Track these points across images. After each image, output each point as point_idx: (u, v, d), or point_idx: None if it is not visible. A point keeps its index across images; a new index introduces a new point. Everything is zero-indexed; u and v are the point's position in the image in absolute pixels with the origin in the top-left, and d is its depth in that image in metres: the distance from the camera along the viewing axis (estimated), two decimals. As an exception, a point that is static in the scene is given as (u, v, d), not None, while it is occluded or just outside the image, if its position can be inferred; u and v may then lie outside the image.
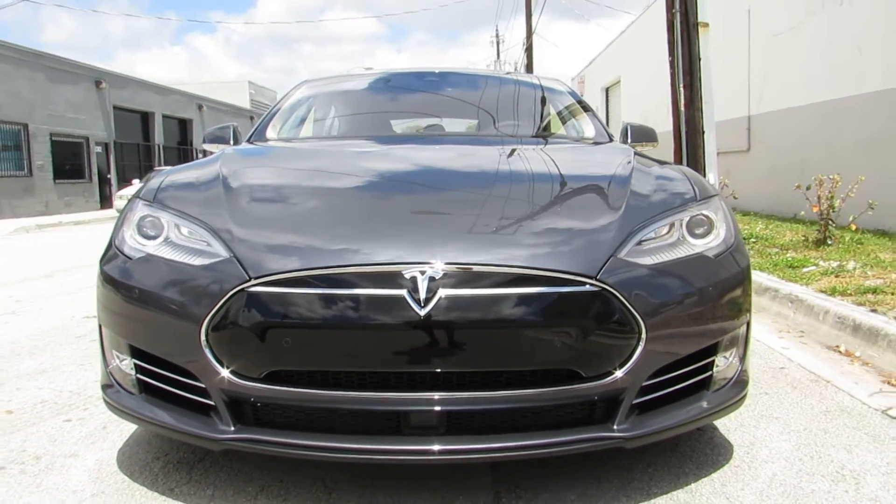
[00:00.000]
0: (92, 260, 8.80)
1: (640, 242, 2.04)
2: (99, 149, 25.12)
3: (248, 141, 3.44)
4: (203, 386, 1.95)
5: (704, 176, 7.93)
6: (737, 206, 10.88)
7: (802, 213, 7.58)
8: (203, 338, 1.90)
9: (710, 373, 2.10)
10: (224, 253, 1.98)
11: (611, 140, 3.41)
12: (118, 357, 2.17)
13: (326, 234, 2.05)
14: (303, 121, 3.84)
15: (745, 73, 11.03)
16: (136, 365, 2.12)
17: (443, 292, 1.80)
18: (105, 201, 24.69)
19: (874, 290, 4.43)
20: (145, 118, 28.93)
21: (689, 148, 7.94)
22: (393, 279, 1.83)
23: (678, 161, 8.17)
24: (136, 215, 2.27)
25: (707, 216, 2.21)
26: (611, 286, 1.87)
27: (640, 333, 1.89)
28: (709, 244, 2.15)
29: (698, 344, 2.04)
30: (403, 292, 1.81)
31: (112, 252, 2.23)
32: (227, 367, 1.90)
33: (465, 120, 4.01)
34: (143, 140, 28.76)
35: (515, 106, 3.75)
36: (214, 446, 1.96)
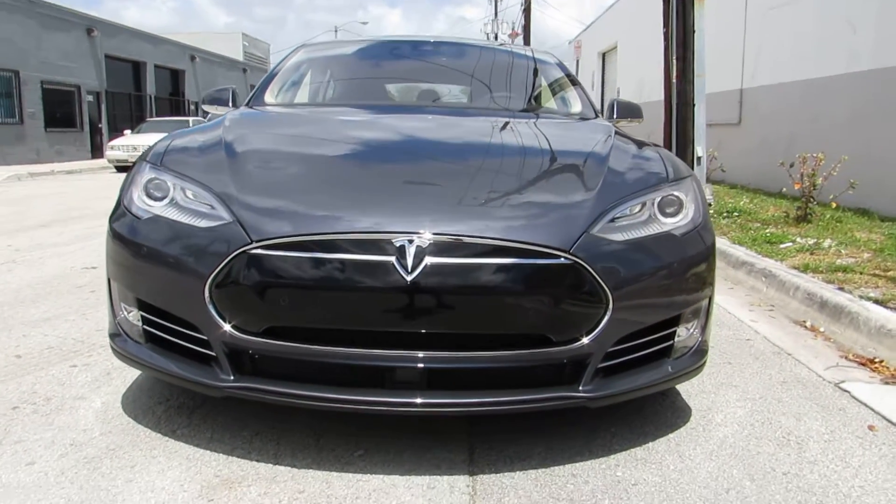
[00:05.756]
0: (88, 211, 8.92)
1: (613, 220, 2.20)
2: (90, 98, 24.91)
3: (248, 105, 3.57)
4: (205, 338, 2.12)
5: (692, 148, 8.08)
6: (725, 179, 11.07)
7: (784, 189, 7.76)
8: (207, 295, 2.07)
9: (671, 342, 2.29)
10: (227, 216, 2.13)
11: (596, 116, 3.55)
12: (126, 309, 2.34)
13: (324, 200, 2.21)
14: (299, 85, 3.96)
15: (740, 46, 11.10)
16: (142, 317, 2.28)
17: (428, 260, 1.97)
18: (96, 151, 24.56)
19: (844, 269, 4.63)
20: (137, 68, 28.60)
21: (679, 120, 8.07)
22: (383, 246, 1.99)
23: (667, 132, 8.32)
24: (143, 178, 2.41)
25: (678, 196, 2.38)
26: (583, 260, 2.04)
27: (607, 304, 2.06)
28: (677, 223, 2.32)
29: (662, 315, 2.22)
30: (392, 259, 1.97)
31: (121, 211, 2.38)
32: (229, 322, 2.07)
33: (456, 88, 4.14)
34: (135, 90, 28.49)
35: (506, 77, 3.87)
36: (216, 393, 2.13)
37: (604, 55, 22.89)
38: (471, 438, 2.33)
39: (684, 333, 2.33)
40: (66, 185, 14.15)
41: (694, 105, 7.96)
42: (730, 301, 4.53)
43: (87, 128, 24.65)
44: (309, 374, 2.10)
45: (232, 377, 2.11)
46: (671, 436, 2.41)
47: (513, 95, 3.72)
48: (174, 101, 31.55)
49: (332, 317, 2.06)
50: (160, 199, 2.32)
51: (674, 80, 8.01)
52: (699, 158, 8.06)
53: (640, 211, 2.29)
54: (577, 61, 22.85)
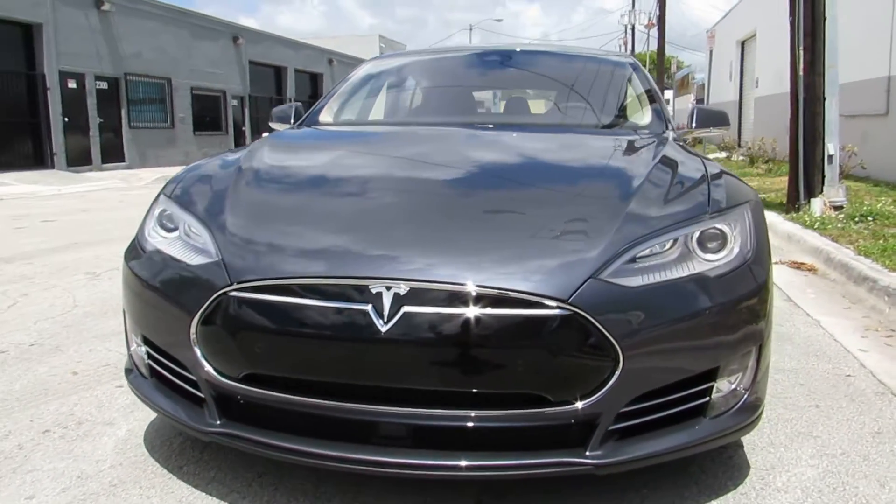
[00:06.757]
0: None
1: (633, 259, 1.90)
2: (235, 102, 26.51)
3: (303, 124, 3.53)
4: (195, 378, 2.05)
5: (823, 145, 7.29)
6: (869, 176, 9.96)
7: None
8: (193, 335, 1.99)
9: (707, 398, 1.96)
10: (215, 255, 2.04)
11: (666, 127, 3.18)
12: (136, 342, 2.33)
13: (308, 239, 2.07)
14: (361, 101, 3.87)
15: (887, 27, 9.90)
16: (147, 352, 2.26)
17: (407, 309, 1.78)
18: (239, 152, 26.12)
19: None
20: (278, 72, 30.11)
21: (807, 116, 7.30)
22: (359, 293, 1.82)
23: (793, 129, 7.55)
24: (157, 209, 2.39)
25: (720, 229, 2.03)
26: (583, 310, 1.76)
27: (616, 359, 1.78)
28: (719, 261, 1.98)
29: (690, 370, 1.90)
30: (368, 307, 1.79)
31: (133, 244, 2.37)
32: (211, 365, 1.99)
33: (498, 101, 3.93)
34: (276, 94, 29.99)
35: (574, 86, 3.56)
36: (203, 437, 2.06)
37: (743, 44, 21.36)
38: (481, 494, 2.12)
39: (725, 388, 1.99)
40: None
41: (824, 99, 7.16)
42: (840, 325, 3.97)
43: (231, 131, 26.28)
44: (294, 424, 1.96)
45: (218, 422, 2.02)
46: (714, 503, 2.08)
47: (563, 106, 3.42)
48: (312, 104, 32.81)
49: (308, 367, 1.92)
50: (171, 231, 2.29)
51: (800, 73, 7.25)
52: (830, 157, 7.25)
53: (671, 248, 1.97)
54: (711, 51, 21.45)
